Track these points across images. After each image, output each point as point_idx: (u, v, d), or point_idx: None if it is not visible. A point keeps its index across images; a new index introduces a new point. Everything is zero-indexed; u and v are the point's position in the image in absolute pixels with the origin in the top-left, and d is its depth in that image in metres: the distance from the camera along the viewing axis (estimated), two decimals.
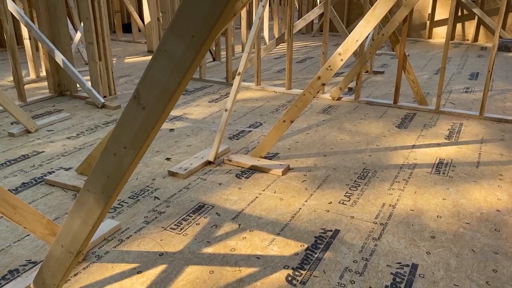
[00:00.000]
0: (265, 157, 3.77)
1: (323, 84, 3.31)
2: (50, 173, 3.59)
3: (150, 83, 1.10)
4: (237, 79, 3.77)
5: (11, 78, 6.48)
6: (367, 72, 6.92)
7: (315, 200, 3.15)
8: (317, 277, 2.36)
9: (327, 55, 5.65)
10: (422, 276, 2.37)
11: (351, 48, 3.19)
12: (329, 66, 3.26)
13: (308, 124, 4.73)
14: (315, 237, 2.72)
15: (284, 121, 3.48)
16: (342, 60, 3.22)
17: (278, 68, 7.45)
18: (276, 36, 8.37)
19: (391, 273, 2.39)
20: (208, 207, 3.06)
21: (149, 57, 8.41)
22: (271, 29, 10.73)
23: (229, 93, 5.91)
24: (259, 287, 2.28)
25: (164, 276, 2.38)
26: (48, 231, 2.21)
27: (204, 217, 2.94)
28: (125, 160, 1.25)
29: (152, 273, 2.40)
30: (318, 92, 3.35)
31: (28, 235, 2.74)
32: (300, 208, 3.04)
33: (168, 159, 3.86)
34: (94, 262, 2.50)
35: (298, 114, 3.46)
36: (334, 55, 3.25)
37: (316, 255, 2.54)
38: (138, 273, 2.41)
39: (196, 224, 2.87)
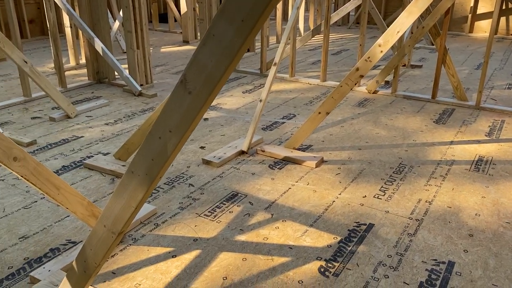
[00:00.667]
0: (299, 149, 3.75)
1: (361, 76, 3.26)
2: (89, 157, 3.69)
3: (197, 68, 1.12)
4: (273, 69, 3.76)
5: (52, 65, 6.68)
6: (404, 65, 6.76)
7: (349, 193, 3.12)
8: (350, 269, 2.35)
9: (364, 48, 5.55)
10: (459, 274, 2.32)
11: (392, 39, 3.12)
12: (368, 57, 3.20)
13: (343, 117, 4.67)
14: (348, 230, 2.70)
15: (319, 113, 3.46)
16: (382, 52, 3.15)
17: (313, 60, 7.38)
18: (311, 28, 8.28)
19: (426, 270, 2.35)
20: (241, 196, 3.09)
21: (185, 47, 8.50)
22: (306, 20, 10.62)
23: (263, 84, 5.91)
24: (291, 277, 2.29)
25: (198, 261, 2.42)
26: (88, 212, 2.28)
27: (237, 206, 2.96)
28: (169, 143, 1.27)
29: (187, 258, 2.45)
30: (355, 84, 3.30)
31: (68, 216, 2.84)
32: (334, 201, 3.02)
33: (202, 147, 3.91)
34: (130, 244, 2.57)
35: (334, 106, 3.42)
36: (374, 47, 3.19)
37: (349, 248, 2.53)
38: (173, 257, 2.46)
39: (230, 212, 2.89)
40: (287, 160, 3.61)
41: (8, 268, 2.35)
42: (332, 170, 3.46)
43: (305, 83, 5.98)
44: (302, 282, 2.26)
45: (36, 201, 3.01)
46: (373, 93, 5.47)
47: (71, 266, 1.83)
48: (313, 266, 2.37)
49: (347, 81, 3.30)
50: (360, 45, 5.46)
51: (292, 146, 3.69)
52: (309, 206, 2.95)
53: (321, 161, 3.58)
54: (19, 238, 2.61)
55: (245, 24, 0.99)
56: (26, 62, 4.32)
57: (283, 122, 4.55)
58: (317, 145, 3.94)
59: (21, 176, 1.91)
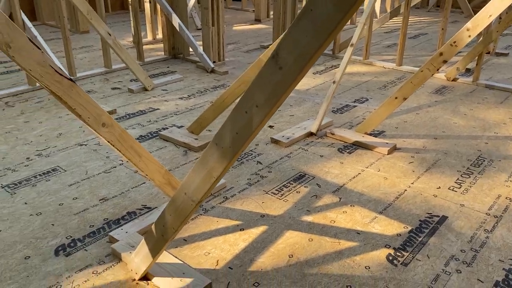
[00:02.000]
0: (370, 134, 3.66)
1: (445, 61, 3.09)
2: (164, 129, 3.85)
3: (291, 43, 1.11)
4: (349, 50, 3.67)
5: (130, 39, 6.98)
6: (488, 53, 6.31)
7: (422, 183, 3.01)
8: (420, 260, 2.28)
9: (446, 32, 5.23)
10: None
11: (482, 23, 2.92)
12: (454, 42, 3.02)
13: (419, 103, 4.48)
14: (420, 220, 2.61)
15: (396, 98, 3.33)
16: (470, 36, 2.96)
17: (388, 43, 7.10)
18: (388, 10, 7.94)
19: (504, 269, 2.22)
20: (308, 177, 3.08)
21: (256, 26, 8.50)
22: (383, 1, 10.19)
23: (334, 66, 5.79)
24: (358, 262, 2.27)
25: (265, 236, 2.46)
26: (165, 180, 2.39)
27: (305, 187, 2.96)
28: (255, 118, 1.28)
29: (254, 232, 2.50)
30: (437, 70, 3.14)
31: (144, 182, 2.99)
32: (406, 190, 2.93)
33: (271, 126, 3.93)
34: (201, 214, 2.66)
35: (413, 91, 3.28)
36: (462, 30, 2.99)
37: (420, 239, 2.45)
38: (240, 230, 2.52)
39: (297, 192, 2.90)
40: (358, 145, 3.54)
41: (90, 227, 2.54)
42: (405, 158, 3.35)
43: (379, 66, 5.78)
44: (369, 268, 2.23)
45: (115, 167, 3.20)
46: (452, 80, 5.17)
47: (150, 230, 1.94)
48: (381, 254, 2.33)
49: (428, 66, 3.15)
50: (442, 29, 5.16)
51: (364, 131, 3.60)
52: (379, 193, 2.88)
53: (394, 148, 3.46)
54: (99, 200, 2.80)
55: None
56: (110, 34, 4.54)
57: (355, 106, 4.44)
58: (390, 132, 3.81)
59: (108, 142, 2.03)
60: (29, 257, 2.29)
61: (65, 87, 1.80)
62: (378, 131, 3.80)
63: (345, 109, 4.36)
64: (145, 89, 4.79)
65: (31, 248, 2.36)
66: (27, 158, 3.31)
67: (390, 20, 8.28)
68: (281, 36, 1.15)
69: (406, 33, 5.39)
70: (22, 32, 1.66)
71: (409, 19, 8.79)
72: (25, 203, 2.76)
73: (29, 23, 4.65)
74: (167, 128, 3.85)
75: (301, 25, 1.08)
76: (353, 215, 2.66)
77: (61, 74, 1.78)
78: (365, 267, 2.23)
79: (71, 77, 1.83)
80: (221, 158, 1.44)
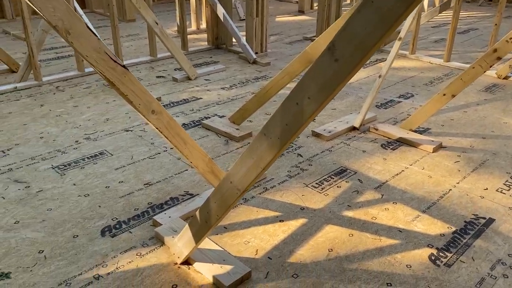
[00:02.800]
0: (415, 131, 3.57)
1: (499, 58, 2.96)
2: (206, 118, 3.90)
3: (348, 36, 1.10)
4: (397, 44, 3.58)
5: (175, 28, 7.09)
6: None
7: (469, 183, 2.92)
8: (464, 262, 2.22)
9: (500, 28, 5.01)
10: None
11: None
12: (511, 38, 2.89)
13: (467, 101, 4.32)
14: (465, 221, 2.54)
15: (444, 95, 3.23)
16: None
17: (436, 37, 6.87)
18: (436, 3, 7.67)
19: None
20: (350, 172, 3.05)
21: (300, 17, 8.43)
22: None
23: (379, 59, 5.67)
24: (399, 259, 2.23)
25: (304, 229, 2.46)
26: (208, 168, 2.42)
27: (346, 181, 2.94)
28: (306, 110, 1.28)
29: (293, 224, 2.50)
30: (490, 67, 3.02)
31: (187, 169, 3.05)
32: (451, 189, 2.85)
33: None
34: (241, 204, 2.69)
35: (462, 88, 3.17)
36: None
37: (464, 240, 2.38)
38: (280, 221, 2.53)
39: (337, 186, 2.88)
40: (402, 141, 3.46)
41: (135, 210, 2.62)
42: (450, 157, 3.25)
43: (426, 61, 5.61)
44: (411, 266, 2.19)
45: (159, 153, 3.28)
46: (503, 78, 4.95)
47: (194, 216, 1.98)
48: (423, 253, 2.28)
49: (481, 63, 3.03)
50: (496, 24, 4.94)
51: (409, 127, 3.52)
52: (423, 192, 2.82)
53: (439, 146, 3.37)
54: (144, 184, 2.88)
55: None
56: (157, 23, 4.63)
57: (399, 101, 4.34)
58: (436, 129, 3.71)
59: (156, 128, 2.08)
60: (77, 236, 2.39)
61: (118, 73, 1.85)
62: (423, 128, 3.71)
63: (389, 104, 4.27)
64: (188, 78, 4.86)
65: (79, 228, 2.46)
66: (76, 141, 3.44)
67: (439, 14, 8.01)
68: (340, 28, 1.14)
69: (456, 28, 5.19)
70: (81, 19, 1.72)
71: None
72: (74, 184, 2.87)
73: (80, 11, 4.81)
74: (209, 118, 3.90)
75: (360, 17, 1.06)
76: (395, 212, 2.61)
77: (115, 61, 1.84)
78: (406, 265, 2.20)
79: (124, 64, 1.89)
80: (269, 149, 1.44)
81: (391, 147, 3.40)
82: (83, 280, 2.09)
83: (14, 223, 2.50)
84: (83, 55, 1.76)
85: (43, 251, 2.28)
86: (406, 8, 0.97)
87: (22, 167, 3.08)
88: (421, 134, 3.56)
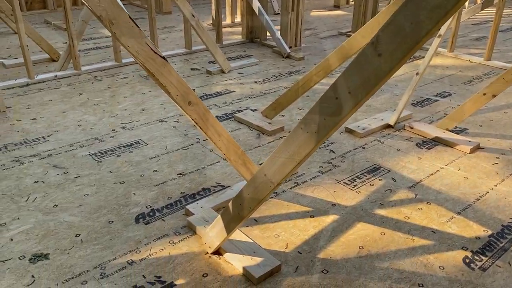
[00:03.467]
0: (452, 131, 3.48)
1: None
2: (238, 111, 3.93)
3: (393, 30, 1.08)
4: (436, 41, 3.49)
5: (209, 22, 7.13)
6: None
7: (507, 186, 2.83)
8: (500, 267, 2.16)
9: None
10: None
11: None
12: None
13: (507, 102, 4.18)
14: (502, 225, 2.46)
15: (484, 94, 3.14)
16: None
17: (476, 35, 6.65)
18: (478, 0, 7.41)
19: None
20: (383, 170, 3.00)
21: (335, 12, 8.32)
22: None
23: (416, 57, 5.54)
24: (432, 261, 2.19)
25: (335, 226, 2.45)
26: (240, 160, 2.44)
27: (379, 179, 2.90)
28: (345, 105, 1.27)
29: (324, 220, 2.49)
30: None
31: (219, 161, 3.08)
32: (488, 192, 2.77)
33: None
34: (272, 197, 2.70)
35: (504, 88, 3.07)
36: None
37: (501, 244, 2.31)
38: (311, 216, 2.53)
39: (370, 184, 2.85)
40: (438, 141, 3.38)
41: (168, 199, 2.67)
42: (488, 159, 3.16)
43: (465, 60, 5.45)
44: (444, 268, 2.15)
45: (192, 144, 3.32)
46: None
47: (226, 207, 2.00)
48: (457, 255, 2.23)
49: None
50: None
51: (446, 127, 3.43)
52: (458, 193, 2.75)
53: (477, 147, 3.27)
54: (177, 174, 2.93)
55: None
56: (193, 16, 4.68)
57: (436, 100, 4.24)
58: (474, 130, 3.60)
59: (192, 119, 2.11)
60: (112, 221, 2.46)
61: (158, 64, 1.89)
62: (460, 128, 3.61)
63: (425, 102, 4.18)
64: (222, 71, 4.89)
65: (114, 214, 2.53)
66: (112, 130, 3.53)
67: (480, 11, 7.74)
68: (385, 23, 1.13)
69: (499, 25, 5.01)
70: (124, 10, 1.76)
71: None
72: (110, 171, 2.95)
73: (120, 3, 4.90)
74: (241, 111, 3.92)
75: (406, 11, 1.04)
76: (429, 213, 2.56)
77: (155, 52, 1.87)
78: (439, 267, 2.15)
79: (164, 56, 1.92)
80: (305, 143, 1.44)
81: (426, 146, 3.33)
82: (117, 264, 2.15)
83: (53, 206, 2.60)
84: (124, 45, 1.80)
85: (79, 234, 2.36)
86: (455, 4, 0.95)
87: (61, 153, 3.19)
88: (458, 134, 3.47)
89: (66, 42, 5.23)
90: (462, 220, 2.50)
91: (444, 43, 5.85)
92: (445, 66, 5.22)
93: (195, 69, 5.04)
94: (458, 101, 4.14)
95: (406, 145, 3.35)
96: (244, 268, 2.07)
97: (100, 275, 2.09)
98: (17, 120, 3.68)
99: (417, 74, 3.52)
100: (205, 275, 2.08)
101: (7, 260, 2.19)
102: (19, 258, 2.41)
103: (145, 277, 2.07)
